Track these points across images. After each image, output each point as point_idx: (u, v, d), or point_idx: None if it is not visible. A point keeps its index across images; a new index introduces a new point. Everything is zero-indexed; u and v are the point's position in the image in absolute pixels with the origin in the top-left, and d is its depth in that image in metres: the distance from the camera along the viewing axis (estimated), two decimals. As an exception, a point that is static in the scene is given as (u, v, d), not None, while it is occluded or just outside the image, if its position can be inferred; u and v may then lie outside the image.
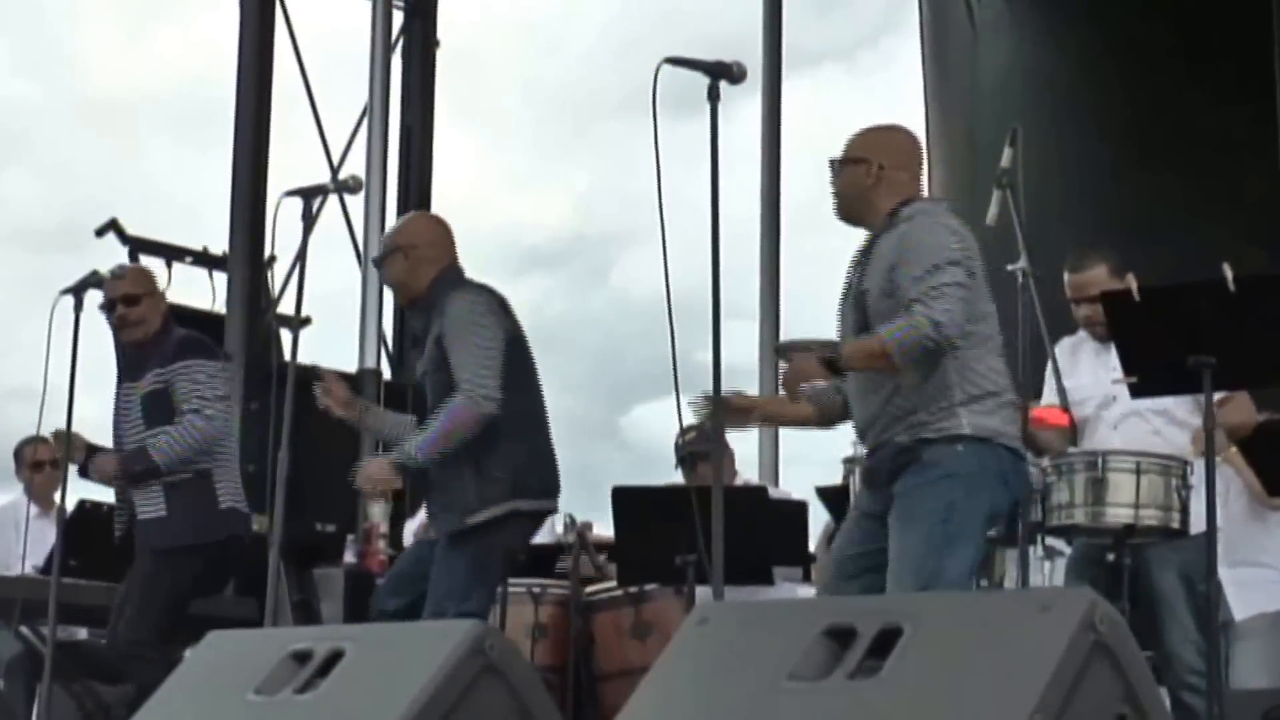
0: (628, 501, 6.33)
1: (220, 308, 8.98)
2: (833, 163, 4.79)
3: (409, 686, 3.24)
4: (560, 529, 6.89)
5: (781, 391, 4.78)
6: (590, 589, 6.76)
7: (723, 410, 4.60)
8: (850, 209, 4.79)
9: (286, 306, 9.08)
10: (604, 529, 6.94)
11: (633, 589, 6.56)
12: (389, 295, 8.31)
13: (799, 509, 6.55)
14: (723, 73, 4.40)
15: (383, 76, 9.42)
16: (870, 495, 4.74)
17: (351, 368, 8.80)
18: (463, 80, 14.71)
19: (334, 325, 9.09)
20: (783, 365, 4.73)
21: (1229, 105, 9.89)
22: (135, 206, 14.96)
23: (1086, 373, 5.65)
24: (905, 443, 4.57)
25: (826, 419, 4.96)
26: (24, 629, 6.80)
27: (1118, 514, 5.17)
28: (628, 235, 17.66)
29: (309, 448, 5.61)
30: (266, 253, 8.67)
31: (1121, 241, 6.21)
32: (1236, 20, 9.75)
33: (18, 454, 7.63)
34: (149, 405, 5.97)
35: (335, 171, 9.85)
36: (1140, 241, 7.91)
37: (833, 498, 6.34)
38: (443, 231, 5.71)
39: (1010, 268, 5.37)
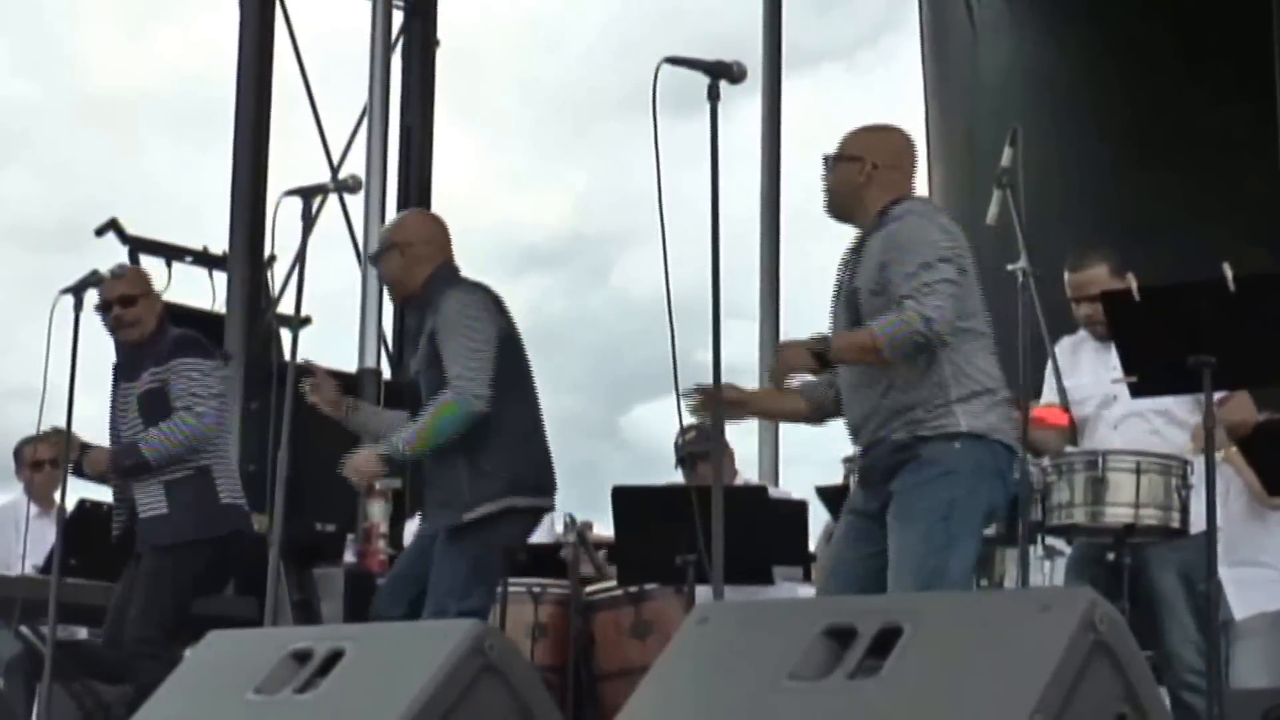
0: (628, 501, 6.33)
1: (220, 307, 8.97)
2: (826, 159, 4.79)
3: (409, 686, 3.24)
4: (560, 528, 6.88)
5: (769, 383, 4.77)
6: (590, 588, 6.75)
7: (717, 404, 4.59)
8: (841, 206, 4.79)
9: (286, 306, 9.07)
10: (604, 529, 6.93)
11: (633, 589, 6.55)
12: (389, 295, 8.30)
13: (799, 509, 6.54)
14: (723, 72, 4.39)
15: (383, 76, 9.40)
16: (864, 493, 4.73)
17: (351, 367, 8.79)
18: (462, 80, 14.72)
19: (334, 325, 9.09)
20: None
21: (1229, 105, 9.90)
22: (135, 206, 14.95)
23: (1087, 372, 5.65)
24: (902, 440, 4.57)
25: (818, 413, 4.94)
26: (24, 629, 6.80)
27: (1118, 513, 5.17)
28: (627, 235, 17.69)
29: (309, 447, 5.59)
30: (266, 252, 8.67)
31: (1121, 241, 6.21)
32: (1236, 20, 9.75)
33: (17, 453, 7.63)
34: (146, 404, 5.98)
35: (335, 171, 9.84)
36: (1140, 241, 7.92)
37: (833, 497, 6.32)
38: (439, 229, 5.71)
39: (1010, 267, 5.36)
